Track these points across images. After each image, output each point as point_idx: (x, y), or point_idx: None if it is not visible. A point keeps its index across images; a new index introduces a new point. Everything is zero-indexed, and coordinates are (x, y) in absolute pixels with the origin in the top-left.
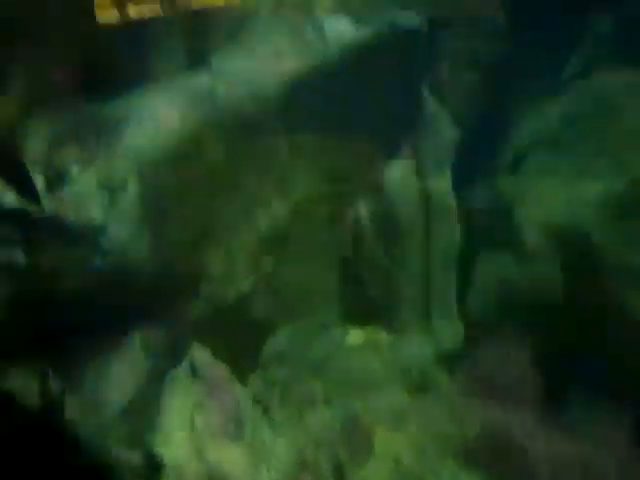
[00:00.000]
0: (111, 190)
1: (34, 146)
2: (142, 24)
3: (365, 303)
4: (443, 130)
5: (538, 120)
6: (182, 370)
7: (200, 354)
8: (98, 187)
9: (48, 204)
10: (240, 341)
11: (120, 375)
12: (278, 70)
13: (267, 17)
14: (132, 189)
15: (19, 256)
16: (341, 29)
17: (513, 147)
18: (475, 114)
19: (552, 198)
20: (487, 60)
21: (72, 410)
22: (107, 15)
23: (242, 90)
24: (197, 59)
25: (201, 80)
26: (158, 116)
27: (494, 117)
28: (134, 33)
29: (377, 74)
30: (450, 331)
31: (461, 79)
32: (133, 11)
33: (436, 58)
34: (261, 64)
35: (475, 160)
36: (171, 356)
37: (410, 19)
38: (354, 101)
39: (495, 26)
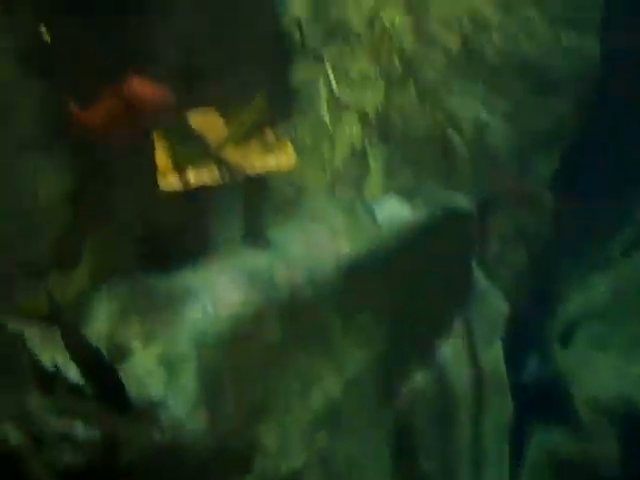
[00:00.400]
0: (171, 367)
1: (97, 320)
2: (201, 190)
3: (418, 478)
4: (493, 305)
5: (587, 294)
6: None
7: None
8: (158, 363)
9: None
10: None
11: None
12: (334, 252)
13: (321, 193)
14: (191, 366)
15: (79, 428)
16: (392, 210)
17: (563, 320)
18: (524, 288)
19: (604, 372)
20: (535, 236)
21: None
22: (168, 181)
23: (300, 272)
24: (254, 231)
25: (259, 259)
26: (218, 294)
27: (543, 290)
28: (193, 200)
29: (428, 253)
30: None
31: (510, 254)
32: (193, 176)
33: (485, 235)
34: (317, 245)
35: (526, 333)
36: None
37: (459, 199)
38: (407, 281)
39: (542, 204)
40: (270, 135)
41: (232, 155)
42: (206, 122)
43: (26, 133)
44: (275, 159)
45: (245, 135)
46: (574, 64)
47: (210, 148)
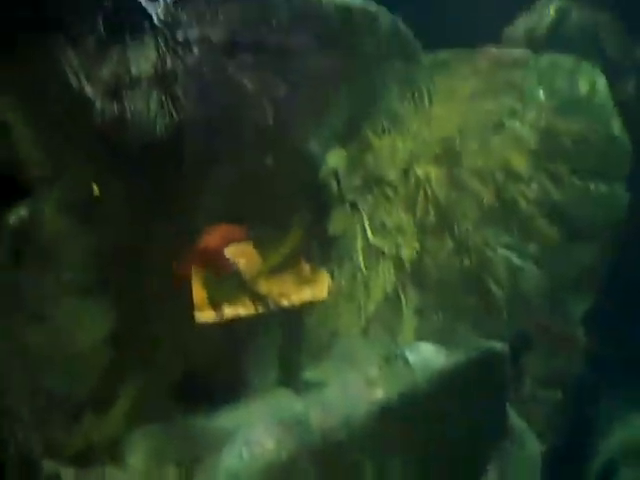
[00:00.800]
0: None
1: (133, 460)
2: (238, 326)
3: None
4: (529, 446)
5: (626, 433)
6: None
7: None
8: None
9: None
10: None
11: None
12: (368, 396)
13: (355, 337)
14: None
15: None
16: (426, 354)
17: (602, 460)
18: (560, 428)
19: None
20: (568, 375)
21: None
22: (204, 315)
23: (334, 415)
24: (290, 372)
25: (294, 401)
26: (252, 437)
27: (581, 430)
28: (230, 339)
29: (462, 397)
30: None
31: (544, 394)
32: (228, 311)
33: (519, 376)
34: (352, 389)
35: (563, 474)
36: None
37: (492, 342)
38: (441, 424)
39: (575, 344)
40: (305, 266)
41: (267, 287)
42: (242, 254)
43: (70, 278)
44: (311, 290)
45: (280, 267)
46: (603, 212)
47: (246, 281)
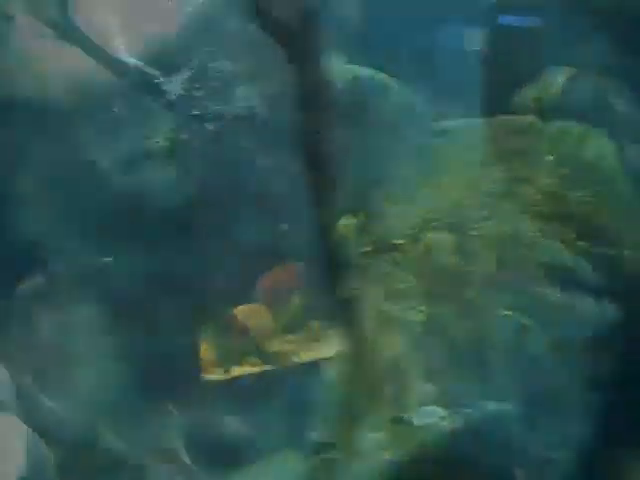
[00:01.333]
0: None
1: None
2: (244, 382)
3: None
4: None
5: None
6: None
7: None
8: None
9: None
10: None
11: None
12: (376, 460)
13: (363, 399)
14: None
15: None
16: (433, 418)
17: None
18: None
19: None
20: (583, 438)
21: None
22: (211, 374)
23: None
24: (296, 432)
25: (301, 465)
26: None
27: None
28: (236, 392)
29: (472, 461)
30: None
31: (557, 458)
32: (236, 370)
33: (530, 438)
34: (360, 453)
35: None
36: None
37: (500, 404)
38: None
39: (587, 407)
40: (313, 324)
41: (276, 346)
42: (252, 314)
43: (82, 347)
44: (318, 348)
45: (289, 326)
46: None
47: (255, 341)
